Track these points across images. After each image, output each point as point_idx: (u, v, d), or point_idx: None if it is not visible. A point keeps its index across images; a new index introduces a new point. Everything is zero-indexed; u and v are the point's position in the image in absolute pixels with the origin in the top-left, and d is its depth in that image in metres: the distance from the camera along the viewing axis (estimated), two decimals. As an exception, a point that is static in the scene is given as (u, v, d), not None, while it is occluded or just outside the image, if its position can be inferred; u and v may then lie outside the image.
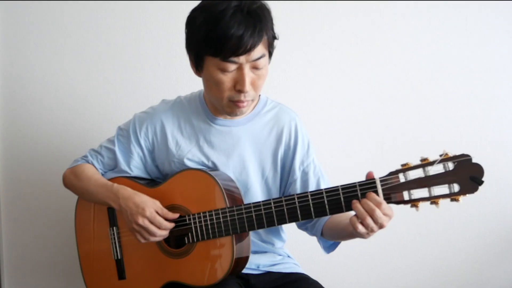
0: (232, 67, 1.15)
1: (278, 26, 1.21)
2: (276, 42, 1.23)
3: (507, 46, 1.83)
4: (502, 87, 1.84)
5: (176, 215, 1.24)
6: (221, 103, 1.22)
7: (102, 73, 1.85)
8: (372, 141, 1.85)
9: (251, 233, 1.30)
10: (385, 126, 1.85)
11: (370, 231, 1.06)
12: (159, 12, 1.82)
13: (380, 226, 1.05)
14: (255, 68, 1.16)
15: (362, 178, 1.08)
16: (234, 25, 1.10)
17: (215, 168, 1.30)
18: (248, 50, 1.12)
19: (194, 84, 1.39)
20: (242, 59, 1.13)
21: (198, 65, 1.21)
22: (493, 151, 1.83)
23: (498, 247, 1.87)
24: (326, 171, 1.37)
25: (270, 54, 1.22)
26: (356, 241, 1.84)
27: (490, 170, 1.78)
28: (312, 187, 1.32)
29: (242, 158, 1.30)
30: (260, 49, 1.15)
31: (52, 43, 1.84)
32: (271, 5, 1.20)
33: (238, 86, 1.17)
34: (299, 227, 1.38)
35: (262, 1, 1.19)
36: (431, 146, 1.11)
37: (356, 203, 1.06)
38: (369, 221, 1.04)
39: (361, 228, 1.05)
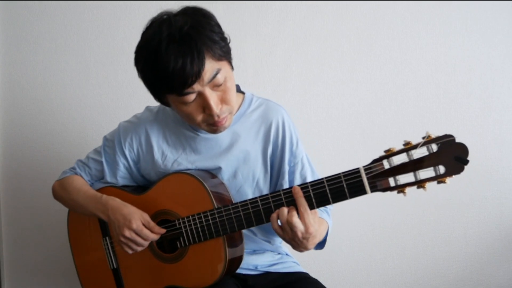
0: (191, 97, 1.10)
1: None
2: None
3: (507, 46, 1.79)
4: (502, 87, 1.80)
5: (163, 230, 1.23)
6: (199, 127, 1.20)
7: (102, 73, 1.85)
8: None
9: (248, 231, 1.29)
10: (385, 126, 1.82)
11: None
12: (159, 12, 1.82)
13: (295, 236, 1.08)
14: (216, 86, 1.11)
15: (346, 168, 1.06)
16: (171, 59, 1.03)
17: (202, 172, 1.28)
18: (197, 78, 1.06)
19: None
20: (196, 86, 1.07)
21: (162, 102, 1.19)
22: (493, 151, 1.80)
23: (498, 247, 1.84)
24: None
25: (229, 60, 1.14)
26: (356, 240, 1.85)
27: (490, 170, 1.80)
28: None
29: (231, 163, 1.27)
30: (210, 68, 1.07)
31: (52, 43, 1.85)
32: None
33: (206, 110, 1.13)
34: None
35: (194, 11, 1.10)
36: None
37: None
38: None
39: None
